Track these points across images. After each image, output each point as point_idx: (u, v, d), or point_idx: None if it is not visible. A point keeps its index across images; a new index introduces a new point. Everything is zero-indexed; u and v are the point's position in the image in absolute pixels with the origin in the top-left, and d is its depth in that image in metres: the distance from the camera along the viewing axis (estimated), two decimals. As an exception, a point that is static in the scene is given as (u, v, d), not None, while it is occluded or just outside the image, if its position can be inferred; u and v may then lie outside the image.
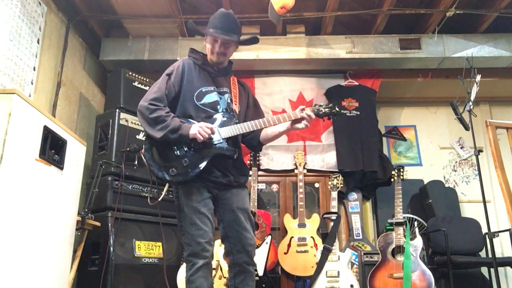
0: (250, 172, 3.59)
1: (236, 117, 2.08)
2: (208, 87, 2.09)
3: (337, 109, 2.05)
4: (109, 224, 2.84)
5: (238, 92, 2.18)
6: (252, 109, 2.22)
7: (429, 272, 2.89)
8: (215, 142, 1.98)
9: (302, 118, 2.01)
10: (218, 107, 2.07)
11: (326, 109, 2.04)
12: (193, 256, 1.92)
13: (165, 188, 2.02)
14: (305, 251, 3.42)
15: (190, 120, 2.01)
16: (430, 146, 4.53)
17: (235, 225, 2.03)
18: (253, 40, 2.23)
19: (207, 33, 2.09)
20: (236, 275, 2.04)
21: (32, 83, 2.95)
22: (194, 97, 2.05)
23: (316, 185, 4.02)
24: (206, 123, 1.96)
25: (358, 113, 4.05)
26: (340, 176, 3.66)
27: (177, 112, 2.04)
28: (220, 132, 2.00)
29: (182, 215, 1.97)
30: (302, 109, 2.02)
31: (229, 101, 2.11)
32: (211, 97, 2.07)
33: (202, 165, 1.95)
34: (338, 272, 3.12)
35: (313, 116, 2.02)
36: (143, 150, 2.02)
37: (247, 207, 2.10)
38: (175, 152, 1.96)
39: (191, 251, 1.92)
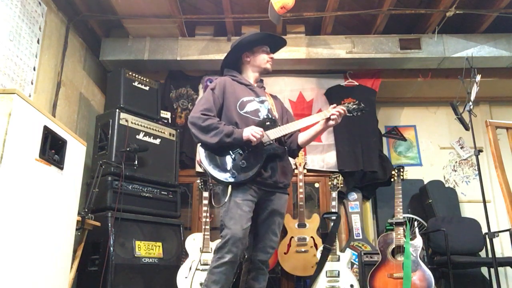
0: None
1: (278, 122, 2.26)
2: (249, 97, 2.28)
3: (362, 105, 2.28)
4: (109, 224, 2.84)
5: (274, 102, 2.40)
6: (287, 117, 2.41)
7: (429, 272, 2.89)
8: (266, 144, 2.14)
9: (334, 115, 2.21)
10: (260, 114, 2.25)
11: (354, 106, 2.27)
12: (223, 248, 2.02)
13: (229, 191, 2.09)
14: (305, 251, 3.43)
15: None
16: (430, 146, 4.53)
17: (267, 225, 2.20)
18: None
19: (259, 48, 2.38)
20: (250, 270, 2.19)
21: (32, 83, 2.95)
22: (237, 107, 2.23)
23: (316, 185, 4.02)
24: (255, 127, 2.11)
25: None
26: (340, 176, 3.65)
27: (223, 121, 2.18)
28: (268, 134, 2.15)
29: (224, 210, 2.09)
30: (334, 107, 2.23)
31: (269, 107, 2.30)
32: (253, 106, 2.26)
33: (259, 165, 2.11)
34: (338, 272, 3.12)
35: (345, 112, 2.23)
36: (199, 159, 2.19)
37: (283, 212, 2.28)
38: (232, 156, 2.12)
39: (223, 243, 2.02)
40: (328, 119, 2.23)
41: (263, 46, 2.41)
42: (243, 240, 2.04)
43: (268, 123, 2.20)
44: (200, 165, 2.17)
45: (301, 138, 2.34)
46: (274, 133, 2.17)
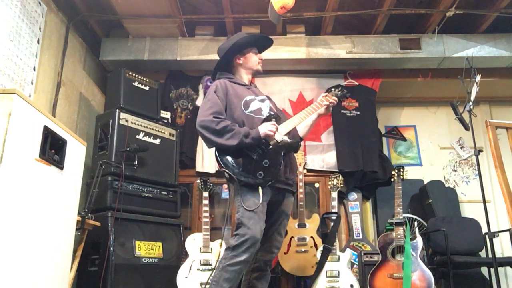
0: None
1: (281, 117, 2.27)
2: (251, 96, 2.28)
3: (345, 90, 2.37)
4: (109, 224, 2.84)
5: (270, 102, 2.41)
6: (281, 115, 2.40)
7: (429, 272, 2.89)
8: (279, 140, 2.12)
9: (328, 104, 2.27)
10: (262, 112, 2.25)
11: (339, 92, 2.34)
12: (240, 247, 1.99)
13: (261, 193, 2.06)
14: (305, 251, 3.43)
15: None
16: (430, 146, 4.53)
17: (274, 226, 2.22)
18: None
19: (249, 50, 2.40)
20: (253, 270, 2.18)
21: (32, 83, 2.95)
22: (242, 106, 2.22)
23: (316, 185, 4.02)
24: (267, 123, 2.12)
25: (358, 113, 4.06)
26: (340, 176, 3.65)
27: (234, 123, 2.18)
28: (279, 130, 2.15)
29: (241, 209, 2.06)
30: (325, 96, 2.29)
31: (270, 105, 2.31)
32: (255, 105, 2.26)
33: (280, 161, 2.11)
34: (338, 272, 3.12)
35: (336, 102, 2.29)
36: (219, 166, 2.13)
37: (289, 214, 2.32)
38: (253, 157, 2.08)
39: (241, 242, 1.99)
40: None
41: (252, 48, 2.42)
42: (259, 241, 2.04)
43: (273, 119, 2.19)
44: (224, 172, 2.11)
45: (301, 130, 2.35)
46: (284, 128, 2.18)
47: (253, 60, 2.41)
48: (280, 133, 2.14)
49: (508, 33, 3.82)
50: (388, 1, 3.45)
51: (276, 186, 2.16)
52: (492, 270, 3.44)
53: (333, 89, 2.38)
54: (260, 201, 2.03)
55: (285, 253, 3.44)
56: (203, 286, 3.03)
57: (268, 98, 2.44)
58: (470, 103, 2.66)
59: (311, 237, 3.47)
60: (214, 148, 2.15)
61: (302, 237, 3.47)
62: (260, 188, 2.06)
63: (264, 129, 2.07)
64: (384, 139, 4.48)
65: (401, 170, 3.37)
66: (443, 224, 3.58)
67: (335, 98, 2.28)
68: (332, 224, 3.36)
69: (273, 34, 3.95)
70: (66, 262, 2.15)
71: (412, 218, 3.94)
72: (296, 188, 3.60)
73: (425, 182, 4.15)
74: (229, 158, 2.09)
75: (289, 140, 2.16)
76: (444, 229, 3.34)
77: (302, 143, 3.98)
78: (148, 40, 3.88)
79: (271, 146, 2.09)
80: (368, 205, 4.20)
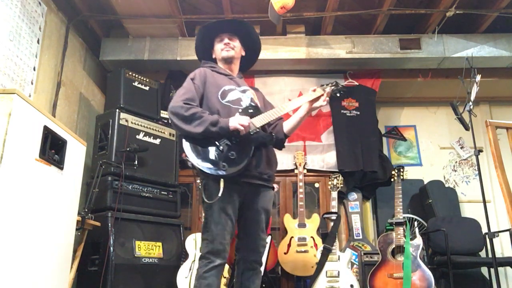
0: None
1: (260, 109, 2.16)
2: (230, 86, 2.20)
3: (340, 85, 2.23)
4: (109, 224, 2.84)
5: (255, 93, 2.32)
6: (270, 109, 2.28)
7: (429, 272, 2.89)
8: (252, 132, 2.03)
9: (319, 96, 2.16)
10: (242, 103, 2.15)
11: (333, 87, 2.20)
12: (212, 254, 1.95)
13: (222, 185, 1.96)
14: (305, 251, 3.42)
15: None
16: (430, 146, 4.53)
17: (255, 224, 2.12)
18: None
19: (216, 41, 2.31)
20: (243, 272, 2.12)
21: (32, 83, 2.95)
22: (219, 96, 2.13)
23: (316, 185, 4.02)
24: (241, 116, 2.02)
25: (358, 113, 4.06)
26: (340, 176, 3.65)
27: (206, 111, 2.09)
28: (253, 122, 2.05)
29: (209, 212, 2.00)
30: (314, 90, 2.17)
31: (252, 96, 2.22)
32: (234, 95, 2.17)
33: (249, 156, 2.00)
34: (338, 272, 3.12)
35: (329, 95, 2.18)
36: (184, 154, 2.04)
37: (269, 209, 2.19)
38: (220, 148, 1.99)
39: (211, 249, 1.96)
40: (312, 102, 2.18)
41: (218, 37, 2.31)
42: (229, 243, 1.99)
43: (251, 110, 2.09)
44: (186, 160, 2.04)
45: (286, 126, 2.24)
46: (259, 120, 2.06)
47: (217, 49, 2.30)
48: (255, 125, 2.03)
49: (508, 33, 3.82)
50: (388, 1, 3.45)
51: (248, 182, 2.05)
52: (492, 270, 3.44)
53: (324, 84, 2.26)
54: (220, 194, 1.93)
55: (285, 253, 3.44)
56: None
57: (254, 89, 2.35)
58: (470, 103, 2.66)
59: (311, 237, 3.47)
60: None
61: (302, 237, 3.47)
62: (222, 180, 1.95)
63: (235, 122, 1.96)
64: (384, 139, 4.48)
65: (401, 170, 3.37)
66: (443, 224, 3.58)
67: (322, 92, 2.16)
68: (332, 224, 3.36)
69: (273, 34, 3.96)
70: (66, 262, 2.15)
71: (412, 218, 3.94)
72: (296, 189, 3.62)
73: (425, 182, 4.15)
74: (194, 147, 2.00)
75: (261, 134, 2.07)
76: (444, 229, 3.34)
77: (302, 143, 4.05)
78: (148, 40, 3.88)
79: (238, 139, 2.00)
80: (368, 205, 4.20)
